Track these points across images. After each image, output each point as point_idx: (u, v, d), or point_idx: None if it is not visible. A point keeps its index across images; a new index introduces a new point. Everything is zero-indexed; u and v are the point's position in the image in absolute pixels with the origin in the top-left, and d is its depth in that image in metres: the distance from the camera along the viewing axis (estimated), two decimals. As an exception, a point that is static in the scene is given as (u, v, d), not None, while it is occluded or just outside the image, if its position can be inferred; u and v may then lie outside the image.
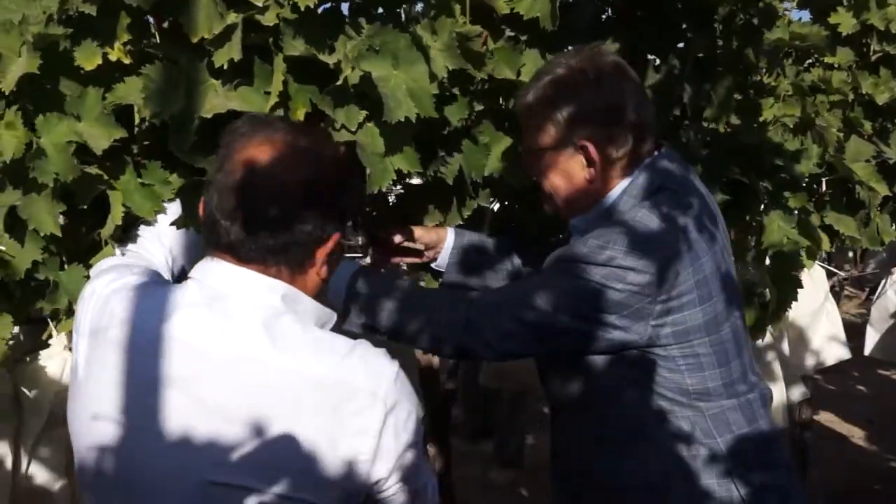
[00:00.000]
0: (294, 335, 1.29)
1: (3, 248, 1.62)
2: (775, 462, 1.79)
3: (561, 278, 1.67)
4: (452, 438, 3.38)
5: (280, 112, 1.54)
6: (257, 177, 1.27)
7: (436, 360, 3.06)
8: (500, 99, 1.94)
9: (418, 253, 2.03)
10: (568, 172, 1.74)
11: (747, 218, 2.45)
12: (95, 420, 1.29)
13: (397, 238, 1.96)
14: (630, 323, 1.64)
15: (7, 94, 1.53)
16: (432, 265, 2.06)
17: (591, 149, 1.71)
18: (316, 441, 1.23)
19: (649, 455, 1.72)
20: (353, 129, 1.57)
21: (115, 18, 1.52)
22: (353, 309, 1.74)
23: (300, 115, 1.56)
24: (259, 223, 1.28)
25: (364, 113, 1.58)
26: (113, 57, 1.51)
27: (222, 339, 1.26)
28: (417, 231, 1.99)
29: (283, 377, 1.25)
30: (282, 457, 1.23)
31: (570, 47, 1.92)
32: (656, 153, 1.77)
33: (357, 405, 1.26)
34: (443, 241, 2.03)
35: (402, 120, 1.56)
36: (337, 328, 2.04)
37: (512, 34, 1.90)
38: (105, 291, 1.38)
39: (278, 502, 1.23)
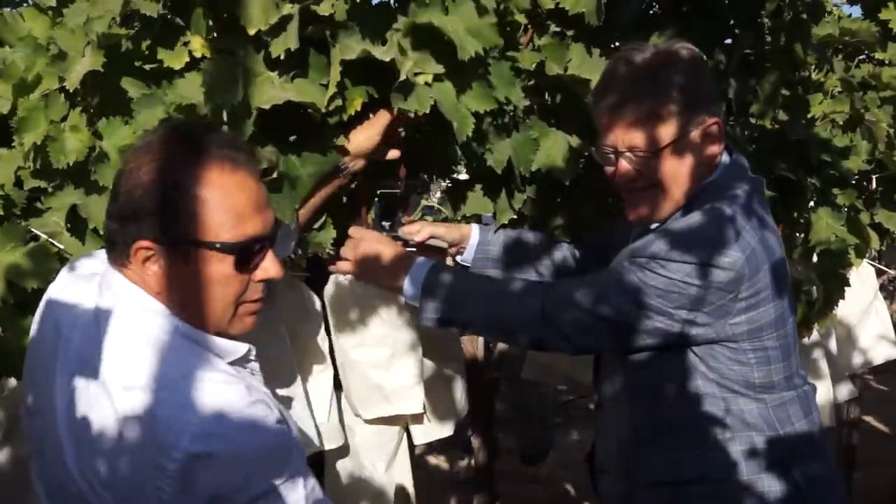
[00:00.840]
0: (136, 359, 1.26)
1: (61, 247, 1.67)
2: (826, 454, 1.82)
3: (641, 274, 1.65)
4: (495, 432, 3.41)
5: (338, 102, 1.57)
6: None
7: (480, 352, 3.09)
8: (547, 94, 1.96)
9: (441, 251, 2.05)
10: (676, 169, 1.70)
11: (795, 214, 2.45)
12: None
13: (420, 236, 1.97)
14: (712, 320, 1.65)
15: (71, 92, 1.58)
16: (458, 259, 2.08)
17: (696, 135, 1.69)
18: (129, 472, 1.21)
19: (711, 447, 1.72)
20: (427, 111, 1.58)
21: (188, 15, 1.55)
22: (427, 303, 1.77)
23: (357, 105, 1.58)
24: (110, 222, 1.32)
25: (430, 95, 1.60)
26: (197, 54, 1.54)
27: (92, 352, 1.28)
28: (441, 229, 2.01)
29: (110, 399, 1.24)
30: (105, 479, 1.23)
31: (616, 43, 1.94)
32: (726, 154, 1.77)
33: (161, 441, 1.19)
34: (467, 239, 2.04)
35: (473, 55, 1.57)
36: (412, 322, 2.07)
37: (557, 30, 1.92)
38: (63, 281, 1.43)
39: None
